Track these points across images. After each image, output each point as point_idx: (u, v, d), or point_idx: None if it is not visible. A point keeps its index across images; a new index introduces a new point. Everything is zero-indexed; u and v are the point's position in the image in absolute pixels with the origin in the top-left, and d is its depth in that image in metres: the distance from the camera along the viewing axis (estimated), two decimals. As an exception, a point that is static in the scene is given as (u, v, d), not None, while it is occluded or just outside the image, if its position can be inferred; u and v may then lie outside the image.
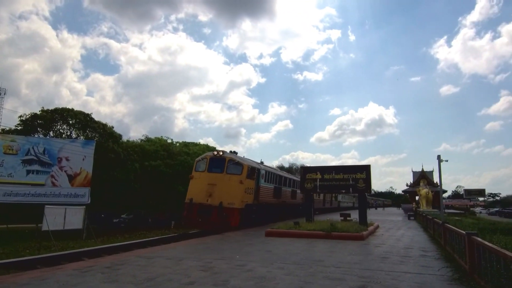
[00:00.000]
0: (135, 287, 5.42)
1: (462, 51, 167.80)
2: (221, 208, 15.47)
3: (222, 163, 16.90)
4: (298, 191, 26.52)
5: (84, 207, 20.32)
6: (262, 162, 22.69)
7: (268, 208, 20.17)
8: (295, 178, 27.82)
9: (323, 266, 7.40)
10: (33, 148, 21.47)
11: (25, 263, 10.70)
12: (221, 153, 17.32)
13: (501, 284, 4.19)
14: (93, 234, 18.74)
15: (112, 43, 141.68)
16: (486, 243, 5.09)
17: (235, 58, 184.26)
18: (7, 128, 28.65)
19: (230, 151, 18.28)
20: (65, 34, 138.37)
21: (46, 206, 18.63)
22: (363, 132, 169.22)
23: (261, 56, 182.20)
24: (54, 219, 18.27)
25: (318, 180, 17.00)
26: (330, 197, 39.16)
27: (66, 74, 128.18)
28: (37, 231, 18.86)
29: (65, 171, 22.00)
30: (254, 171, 17.72)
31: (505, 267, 4.15)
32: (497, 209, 64.47)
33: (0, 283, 5.55)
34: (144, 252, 8.90)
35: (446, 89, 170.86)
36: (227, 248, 10.04)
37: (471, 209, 54.31)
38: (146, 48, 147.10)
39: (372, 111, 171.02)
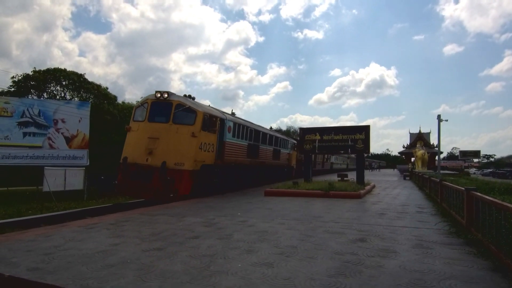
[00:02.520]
0: (141, 241, 5.53)
1: (469, 8, 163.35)
2: (165, 170, 11.53)
3: (167, 109, 12.47)
4: (284, 150, 24.22)
5: (84, 168, 20.44)
6: (233, 114, 18.85)
7: (239, 170, 16.38)
8: (278, 135, 24.21)
9: (322, 221, 7.57)
10: (28, 110, 21.14)
11: (29, 222, 10.90)
12: (165, 95, 12.58)
13: (500, 235, 4.30)
14: (96, 194, 18.99)
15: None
16: (487, 197, 5.18)
17: (232, 15, 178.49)
18: (0, 90, 28.02)
19: (185, 95, 13.57)
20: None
21: (46, 167, 18.71)
22: (363, 93, 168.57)
23: (259, 13, 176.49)
24: (55, 181, 18.46)
25: (317, 141, 17.05)
26: (321, 158, 36.81)
27: (57, 33, 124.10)
28: (38, 192, 19.11)
29: (62, 133, 21.85)
30: (215, 122, 13.60)
31: (505, 219, 4.23)
32: (491, 170, 65.77)
33: (6, 240, 5.64)
34: (147, 210, 9.05)
35: (450, 48, 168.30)
36: (227, 206, 10.22)
37: (466, 170, 55.37)
38: (138, 4, 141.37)
39: (373, 71, 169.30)
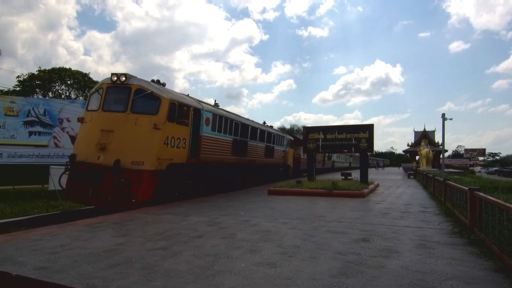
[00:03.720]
0: (146, 240, 5.60)
1: (475, 5, 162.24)
2: (118, 171, 9.45)
3: (125, 95, 10.40)
4: (278, 147, 22.41)
5: (89, 167, 20.57)
6: (216, 105, 16.13)
7: (221, 170, 14.30)
8: (272, 130, 21.91)
9: (325, 221, 7.60)
10: (33, 109, 21.37)
11: (35, 221, 11.00)
12: (123, 78, 10.48)
13: (503, 235, 4.30)
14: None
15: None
16: (490, 197, 5.18)
17: (237, 13, 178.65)
18: (5, 89, 28.29)
19: (152, 80, 11.43)
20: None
21: (51, 166, 18.87)
22: (367, 91, 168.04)
23: (264, 11, 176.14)
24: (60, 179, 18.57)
25: (320, 140, 17.04)
26: (321, 156, 34.79)
27: (62, 32, 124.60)
28: (43, 191, 19.28)
29: (67, 132, 22.09)
30: (186, 112, 11.50)
31: (508, 220, 4.24)
32: (496, 168, 65.30)
33: (13, 239, 5.72)
34: (150, 209, 9.12)
35: (456, 46, 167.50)
36: (231, 205, 10.28)
37: (470, 168, 55.05)
38: (142, 2, 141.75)
39: (378, 69, 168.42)
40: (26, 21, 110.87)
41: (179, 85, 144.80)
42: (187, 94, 13.64)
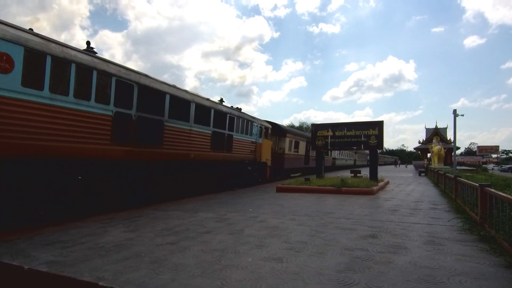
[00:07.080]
0: (155, 236, 5.69)
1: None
2: None
3: None
4: (243, 137, 15.48)
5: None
6: (91, 49, 8.65)
7: (72, 171, 7.41)
8: (226, 109, 14.13)
9: (334, 217, 7.59)
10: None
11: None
12: None
13: (513, 231, 4.25)
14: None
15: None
16: (500, 193, 5.10)
17: (247, 11, 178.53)
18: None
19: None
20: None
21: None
22: (379, 88, 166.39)
23: (275, 8, 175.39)
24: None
25: (329, 137, 16.96)
26: None
27: (75, 32, 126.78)
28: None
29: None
30: None
31: (518, 216, 4.18)
32: (510, 165, 63.96)
33: (27, 234, 5.86)
34: (159, 206, 9.23)
35: (471, 41, 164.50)
36: (239, 202, 10.33)
37: (483, 165, 54.07)
38: (153, 1, 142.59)
39: (391, 65, 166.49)
40: (40, 21, 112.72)
41: (190, 83, 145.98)
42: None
